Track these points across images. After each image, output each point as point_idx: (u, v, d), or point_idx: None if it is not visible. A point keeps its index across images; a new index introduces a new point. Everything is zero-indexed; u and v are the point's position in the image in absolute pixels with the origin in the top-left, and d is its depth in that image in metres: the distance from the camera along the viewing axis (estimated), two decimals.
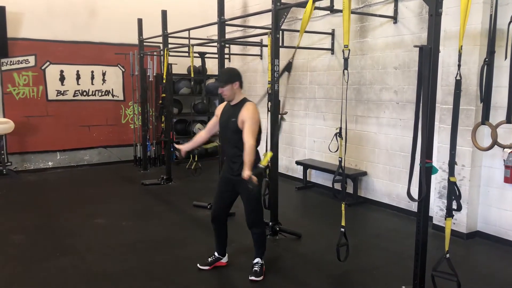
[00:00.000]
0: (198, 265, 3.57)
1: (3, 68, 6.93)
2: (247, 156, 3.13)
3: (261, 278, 3.38)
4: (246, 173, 3.05)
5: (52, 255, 3.86)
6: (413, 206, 4.87)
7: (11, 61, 6.99)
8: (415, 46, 2.84)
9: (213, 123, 3.57)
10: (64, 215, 5.01)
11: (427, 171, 2.85)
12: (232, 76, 3.32)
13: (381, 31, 5.19)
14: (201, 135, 3.65)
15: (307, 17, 3.36)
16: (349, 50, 3.13)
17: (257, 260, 3.45)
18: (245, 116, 3.22)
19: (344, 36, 3.13)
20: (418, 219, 2.95)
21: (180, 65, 7.87)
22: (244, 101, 3.33)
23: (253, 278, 3.37)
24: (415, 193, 2.93)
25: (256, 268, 3.41)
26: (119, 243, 4.16)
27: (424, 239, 2.95)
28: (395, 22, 4.99)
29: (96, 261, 3.73)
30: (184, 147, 3.61)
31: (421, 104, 2.84)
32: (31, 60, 7.17)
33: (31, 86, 7.21)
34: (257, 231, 3.43)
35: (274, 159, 4.34)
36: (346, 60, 3.14)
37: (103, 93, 7.82)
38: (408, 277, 3.12)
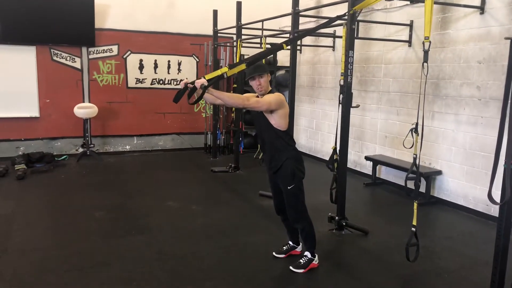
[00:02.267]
0: (273, 253, 3.64)
1: (90, 56, 7.48)
2: (228, 94, 3.14)
3: (301, 271, 3.35)
4: (200, 80, 3.02)
5: (128, 232, 4.13)
6: (492, 210, 4.57)
7: (97, 50, 7.51)
8: (506, 38, 2.65)
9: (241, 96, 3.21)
10: (139, 196, 5.34)
11: None
12: (266, 67, 3.33)
13: (465, 23, 4.87)
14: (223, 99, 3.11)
15: None
16: (429, 42, 3.02)
17: (305, 253, 3.45)
18: (266, 96, 3.18)
19: (425, 27, 3.02)
20: (499, 224, 2.77)
21: None
22: (272, 91, 3.26)
23: (291, 267, 3.38)
24: (496, 196, 2.75)
25: (301, 260, 3.41)
26: (189, 226, 4.35)
27: (504, 245, 2.76)
28: (482, 13, 4.66)
29: (167, 242, 3.93)
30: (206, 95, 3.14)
31: (509, 100, 2.65)
32: (115, 49, 7.65)
33: (113, 73, 7.70)
34: (299, 226, 3.40)
35: (343, 154, 4.27)
36: (426, 52, 3.04)
37: (178, 82, 8.15)
38: (483, 285, 2.95)
